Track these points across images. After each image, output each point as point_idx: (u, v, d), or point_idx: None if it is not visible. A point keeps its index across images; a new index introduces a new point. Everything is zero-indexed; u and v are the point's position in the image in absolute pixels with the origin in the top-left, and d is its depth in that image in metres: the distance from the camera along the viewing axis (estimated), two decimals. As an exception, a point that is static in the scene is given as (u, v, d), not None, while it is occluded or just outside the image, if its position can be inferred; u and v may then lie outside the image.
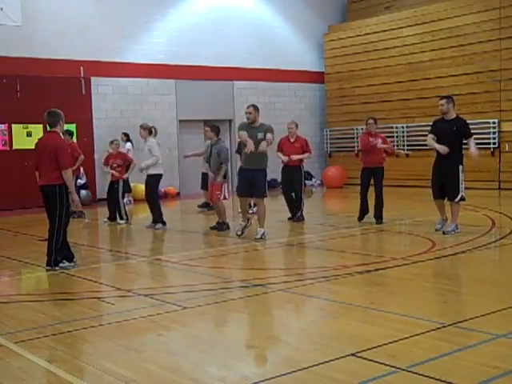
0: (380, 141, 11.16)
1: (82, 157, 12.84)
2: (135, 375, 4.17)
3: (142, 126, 11.81)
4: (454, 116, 9.47)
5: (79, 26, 16.91)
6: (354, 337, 4.83)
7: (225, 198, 11.02)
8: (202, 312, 5.76)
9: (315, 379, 4.01)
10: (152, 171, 11.46)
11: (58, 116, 8.00)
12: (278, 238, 9.99)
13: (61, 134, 8.20)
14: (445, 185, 9.48)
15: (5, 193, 15.74)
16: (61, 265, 7.86)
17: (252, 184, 9.71)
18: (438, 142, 9.40)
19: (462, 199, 9.47)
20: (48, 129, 8.12)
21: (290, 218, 11.85)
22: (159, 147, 11.58)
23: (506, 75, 17.10)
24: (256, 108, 9.71)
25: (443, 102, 9.41)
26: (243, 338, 5.13)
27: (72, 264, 7.97)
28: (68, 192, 7.83)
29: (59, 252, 7.86)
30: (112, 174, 12.65)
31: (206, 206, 13.96)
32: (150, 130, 11.69)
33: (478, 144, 17.36)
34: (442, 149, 9.27)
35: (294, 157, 11.66)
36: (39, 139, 8.19)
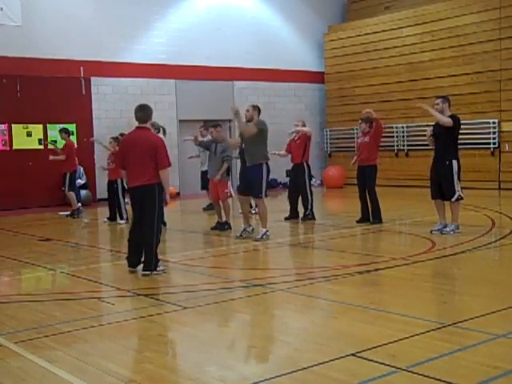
0: (365, 138, 11.10)
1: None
2: (135, 375, 4.18)
3: (153, 124, 11.84)
4: (448, 115, 9.49)
5: (79, 26, 16.91)
6: (354, 337, 4.83)
7: (230, 196, 11.20)
8: (201, 312, 5.76)
9: (315, 379, 4.01)
10: None
11: (150, 110, 7.46)
12: (277, 237, 9.98)
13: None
14: (441, 184, 9.49)
15: (5, 193, 15.73)
16: (158, 269, 7.37)
17: (249, 182, 9.74)
18: (434, 141, 9.56)
19: (460, 198, 9.42)
20: (137, 124, 7.46)
21: (286, 218, 11.84)
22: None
23: (506, 75, 17.08)
24: (255, 108, 9.76)
25: (439, 101, 9.48)
26: (243, 338, 5.13)
27: (162, 268, 7.48)
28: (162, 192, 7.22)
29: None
30: (108, 173, 12.89)
31: (211, 207, 13.73)
32: (157, 129, 11.75)
33: (477, 144, 17.62)
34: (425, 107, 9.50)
35: (298, 128, 11.69)
36: (126, 136, 7.39)
